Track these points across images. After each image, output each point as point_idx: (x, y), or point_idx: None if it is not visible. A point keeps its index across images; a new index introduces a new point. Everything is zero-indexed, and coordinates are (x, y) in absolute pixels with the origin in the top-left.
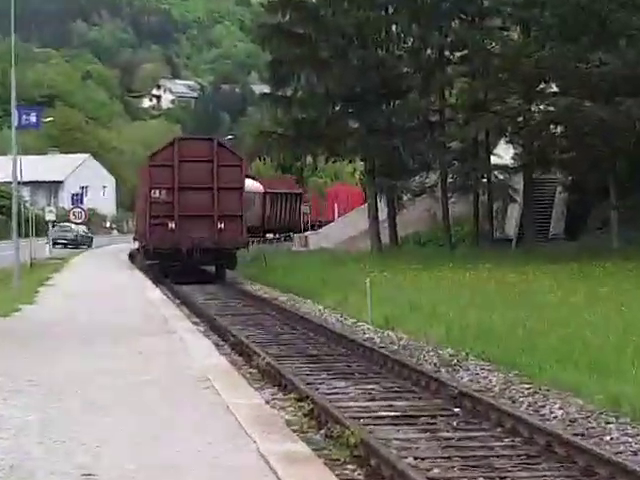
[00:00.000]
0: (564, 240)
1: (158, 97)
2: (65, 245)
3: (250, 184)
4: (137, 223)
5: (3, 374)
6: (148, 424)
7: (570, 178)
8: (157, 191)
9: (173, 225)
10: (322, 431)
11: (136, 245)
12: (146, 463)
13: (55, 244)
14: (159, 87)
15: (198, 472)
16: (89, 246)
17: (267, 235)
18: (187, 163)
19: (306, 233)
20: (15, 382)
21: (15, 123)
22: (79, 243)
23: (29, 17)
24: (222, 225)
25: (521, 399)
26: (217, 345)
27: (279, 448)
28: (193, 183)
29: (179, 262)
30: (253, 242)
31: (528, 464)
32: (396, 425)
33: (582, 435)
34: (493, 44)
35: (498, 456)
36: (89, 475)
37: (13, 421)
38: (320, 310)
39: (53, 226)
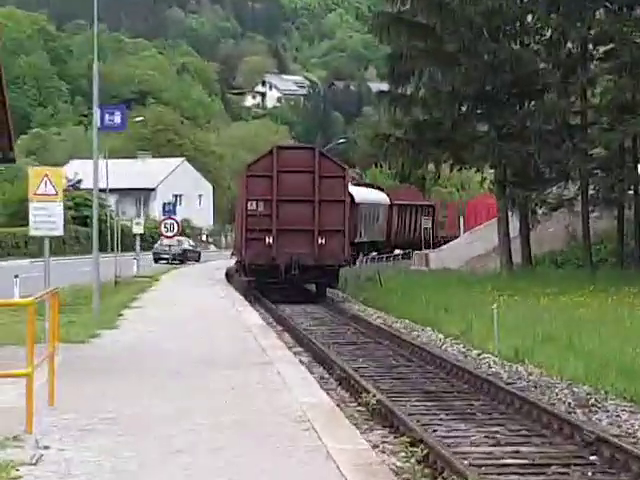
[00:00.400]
0: None
1: (263, 94)
2: (169, 261)
3: (375, 194)
4: (235, 237)
5: (75, 410)
6: (239, 474)
7: None
8: (254, 203)
9: (270, 240)
10: None
11: (234, 262)
12: None
13: (158, 259)
14: (264, 83)
15: None
16: (197, 261)
17: (395, 251)
18: (287, 174)
19: (427, 250)
20: (89, 420)
21: (97, 124)
22: (185, 258)
23: (119, 4)
24: (323, 240)
25: None
26: (321, 379)
27: None
28: (293, 195)
29: (276, 279)
30: (366, 260)
31: None
32: (523, 475)
33: None
34: None
35: None
36: None
37: (84, 466)
38: (440, 339)
39: (147, 239)
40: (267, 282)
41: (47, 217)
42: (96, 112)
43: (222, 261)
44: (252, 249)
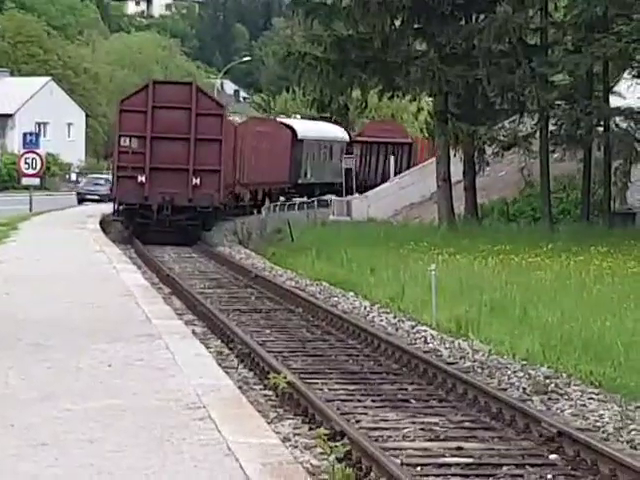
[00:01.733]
0: None
1: (148, 1)
2: (97, 202)
3: (328, 129)
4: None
5: None
6: (114, 476)
7: None
8: (127, 139)
9: (143, 178)
10: None
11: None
12: None
13: (82, 200)
14: None
15: None
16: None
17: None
18: (162, 109)
19: (349, 197)
20: None
21: None
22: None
23: None
24: (198, 180)
25: None
26: (219, 354)
27: None
28: (167, 132)
29: (149, 220)
30: (276, 207)
31: None
32: (467, 477)
33: None
34: None
35: None
36: None
37: None
38: (365, 307)
39: (3, 177)
40: (139, 223)
41: None
42: None
43: (95, 206)
44: (123, 187)
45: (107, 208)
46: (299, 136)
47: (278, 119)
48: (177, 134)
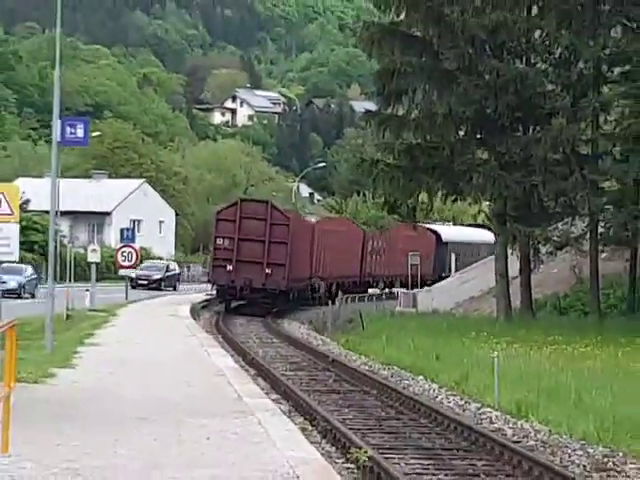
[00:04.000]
0: None
1: (233, 111)
2: (147, 286)
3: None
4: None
5: (32, 459)
6: None
7: None
8: (221, 240)
9: (231, 267)
10: None
11: (204, 295)
12: None
13: (136, 286)
14: (234, 99)
15: None
16: (174, 288)
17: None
18: (246, 219)
19: (414, 290)
20: (48, 471)
21: (57, 138)
22: (166, 285)
23: (75, 5)
24: (269, 270)
25: None
26: (304, 431)
27: None
28: (250, 235)
29: (234, 296)
30: (347, 299)
31: None
32: None
33: None
34: None
35: None
36: None
37: None
38: (434, 390)
39: (101, 270)
40: (227, 299)
41: (2, 239)
42: (56, 124)
43: (184, 295)
44: (217, 273)
45: (195, 298)
46: (443, 239)
47: (423, 224)
48: (256, 237)
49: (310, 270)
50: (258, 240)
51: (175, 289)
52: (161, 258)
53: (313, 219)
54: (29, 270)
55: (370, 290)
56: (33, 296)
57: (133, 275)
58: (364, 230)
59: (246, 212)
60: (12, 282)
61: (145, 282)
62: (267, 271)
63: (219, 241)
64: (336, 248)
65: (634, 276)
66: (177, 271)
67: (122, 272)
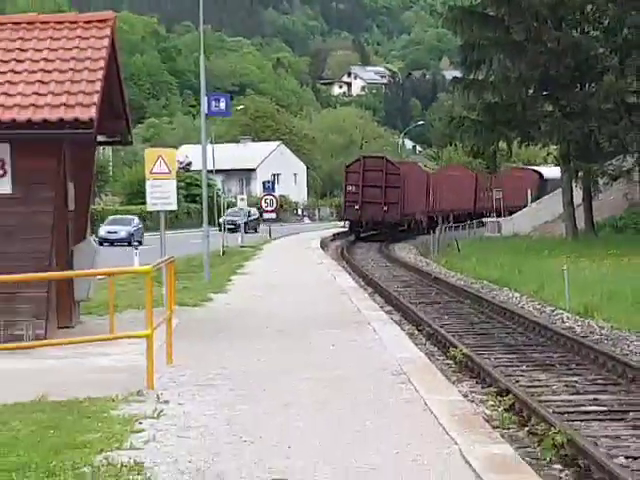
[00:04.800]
0: None
1: (349, 84)
2: (232, 229)
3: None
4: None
5: (191, 367)
6: (341, 425)
7: None
8: (351, 187)
9: (358, 207)
10: (525, 429)
11: (331, 231)
12: (342, 466)
13: (223, 229)
14: (349, 74)
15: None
16: (255, 230)
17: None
18: (368, 172)
19: (499, 219)
20: (204, 376)
21: (205, 110)
22: (247, 228)
23: (221, 5)
24: (386, 208)
25: None
26: (411, 335)
27: (482, 450)
28: (371, 183)
29: (361, 227)
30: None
31: None
32: (603, 421)
33: None
34: None
35: None
36: None
37: (201, 419)
38: (517, 298)
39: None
40: (356, 230)
41: (162, 193)
42: (204, 100)
43: (315, 232)
44: (348, 212)
45: (326, 233)
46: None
47: (528, 167)
48: (375, 184)
49: (426, 206)
50: (377, 186)
51: (256, 231)
52: (297, 203)
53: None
54: (136, 221)
55: (484, 219)
56: (140, 243)
57: (220, 221)
58: (476, 174)
59: (368, 165)
60: (122, 232)
61: (232, 226)
62: (384, 209)
63: (349, 187)
64: (451, 188)
65: None
66: (257, 216)
67: (265, 216)
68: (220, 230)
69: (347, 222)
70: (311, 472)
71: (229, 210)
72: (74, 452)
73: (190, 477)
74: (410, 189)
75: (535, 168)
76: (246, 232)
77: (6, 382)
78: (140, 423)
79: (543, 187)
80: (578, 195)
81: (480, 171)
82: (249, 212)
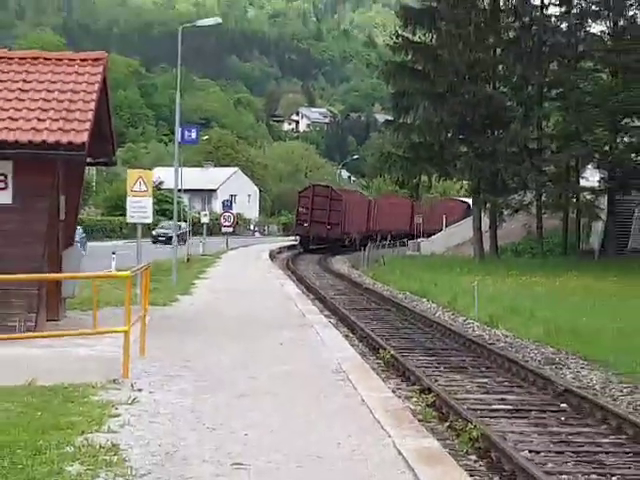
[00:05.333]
0: None
1: (297, 122)
2: (165, 241)
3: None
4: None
5: (160, 359)
6: (290, 416)
7: None
8: (302, 209)
9: (307, 225)
10: (445, 424)
11: (278, 245)
12: (292, 453)
13: (156, 241)
14: (297, 113)
15: (339, 464)
16: (184, 242)
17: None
18: (316, 197)
19: (419, 240)
20: (172, 368)
21: (178, 139)
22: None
23: (192, 52)
24: (330, 227)
25: (620, 397)
26: (347, 337)
27: (413, 443)
28: (318, 206)
29: (309, 243)
30: (372, 246)
31: (636, 461)
32: (509, 419)
33: None
34: (585, 83)
35: (607, 453)
36: (239, 465)
37: (170, 406)
38: (434, 308)
39: (210, 228)
40: (304, 244)
41: (140, 208)
42: (178, 130)
43: (265, 245)
44: (299, 229)
45: (273, 247)
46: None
47: (457, 198)
48: (322, 207)
49: (367, 227)
50: (323, 209)
51: (185, 242)
52: (250, 219)
53: (369, 197)
54: (78, 231)
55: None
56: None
57: (154, 233)
58: (412, 202)
59: (316, 192)
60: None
61: (163, 238)
62: (328, 227)
63: (300, 209)
64: (391, 213)
65: (566, 229)
66: (186, 229)
67: (224, 229)
68: (154, 242)
69: (297, 237)
70: (265, 458)
71: (161, 223)
72: (59, 433)
73: (160, 459)
74: (351, 212)
75: (463, 199)
76: (180, 244)
77: (0, 368)
78: (116, 408)
79: (468, 215)
80: (485, 223)
81: (416, 200)
82: (180, 226)
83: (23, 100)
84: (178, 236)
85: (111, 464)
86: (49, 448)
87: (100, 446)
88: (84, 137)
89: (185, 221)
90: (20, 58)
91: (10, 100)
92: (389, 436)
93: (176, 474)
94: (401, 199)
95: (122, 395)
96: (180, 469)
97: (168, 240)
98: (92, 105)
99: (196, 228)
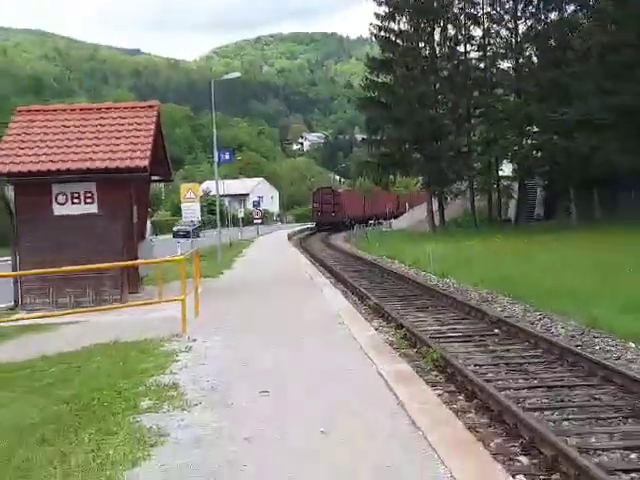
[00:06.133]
0: (543, 220)
1: (302, 144)
2: (183, 236)
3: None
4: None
5: (209, 318)
6: (303, 349)
7: (546, 183)
8: (314, 204)
9: (319, 214)
10: (414, 349)
11: (294, 229)
12: (305, 371)
13: (175, 235)
14: (302, 137)
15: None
16: (197, 236)
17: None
18: (323, 195)
19: (390, 220)
20: (218, 324)
21: (216, 159)
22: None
23: (226, 99)
24: (334, 214)
25: (536, 322)
26: (344, 293)
27: (390, 367)
28: (325, 202)
29: (322, 225)
30: (359, 226)
31: (549, 367)
32: (460, 342)
33: (581, 346)
34: (498, 104)
35: (529, 363)
36: (265, 392)
37: (216, 351)
38: (403, 267)
39: (245, 220)
40: (318, 226)
41: (191, 211)
42: (216, 154)
43: (283, 231)
44: (315, 216)
45: (289, 232)
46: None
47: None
48: (328, 202)
49: (363, 212)
50: (329, 203)
51: (198, 236)
52: (273, 213)
53: (362, 192)
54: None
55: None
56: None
57: (174, 229)
58: (397, 195)
59: (323, 192)
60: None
61: (182, 234)
62: (333, 214)
63: (314, 204)
64: (381, 203)
65: (490, 206)
66: (199, 225)
67: (255, 221)
68: (174, 237)
69: (315, 222)
70: (284, 385)
71: (180, 221)
72: (136, 377)
73: (207, 391)
74: (348, 204)
75: (394, 192)
76: (193, 237)
77: (94, 331)
78: (177, 355)
79: (398, 202)
80: (435, 205)
81: (400, 193)
82: (194, 222)
83: (101, 138)
84: (193, 231)
85: (172, 398)
86: (128, 389)
87: (164, 385)
88: (146, 162)
89: (226, 218)
90: (97, 109)
91: (91, 139)
92: (373, 363)
93: (220, 402)
94: (389, 193)
95: (181, 345)
96: (223, 398)
97: (185, 234)
98: (150, 139)
99: (235, 221)
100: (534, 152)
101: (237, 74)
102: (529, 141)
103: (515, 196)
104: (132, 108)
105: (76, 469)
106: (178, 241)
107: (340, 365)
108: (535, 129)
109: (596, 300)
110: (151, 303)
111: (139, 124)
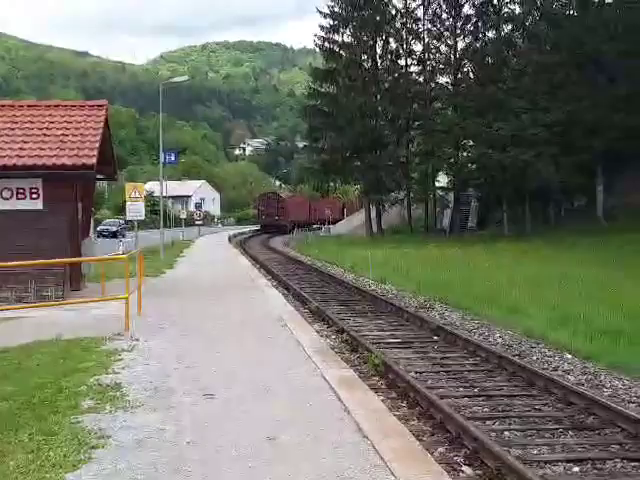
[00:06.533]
0: (476, 230)
1: (244, 149)
2: (106, 236)
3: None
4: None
5: (152, 316)
6: (247, 353)
7: (479, 194)
8: (259, 208)
9: (264, 217)
10: (356, 354)
11: (235, 231)
12: (249, 382)
13: (100, 235)
14: (244, 143)
15: (284, 389)
16: (123, 236)
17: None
18: (267, 199)
19: (329, 225)
20: (161, 322)
21: (162, 160)
22: (116, 234)
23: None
24: (277, 219)
25: (473, 330)
26: (284, 295)
27: (334, 372)
28: (268, 206)
29: (265, 228)
30: (299, 229)
31: (489, 376)
32: (399, 348)
33: (519, 355)
34: (436, 117)
35: (469, 371)
36: (209, 395)
37: (159, 351)
38: (341, 271)
39: (187, 222)
40: (262, 228)
41: (136, 209)
42: (162, 154)
43: (224, 233)
44: (260, 220)
45: (230, 234)
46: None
47: (335, 197)
48: (272, 205)
49: (308, 217)
50: (273, 207)
51: (124, 237)
52: (214, 215)
53: (305, 198)
54: (120, 222)
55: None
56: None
57: (98, 229)
58: (343, 202)
59: (268, 196)
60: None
61: (106, 233)
62: (276, 218)
63: (260, 207)
64: (326, 208)
65: (426, 215)
66: (124, 225)
67: (197, 222)
68: (98, 237)
69: (260, 225)
70: (229, 389)
71: (105, 221)
72: (77, 375)
73: (150, 392)
74: (292, 208)
75: (337, 198)
76: (116, 237)
77: (36, 327)
78: (119, 354)
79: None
80: (373, 212)
81: (347, 200)
82: (119, 223)
83: (48, 135)
84: (118, 231)
85: (114, 399)
86: (69, 387)
87: (106, 385)
88: (93, 160)
89: (204, 219)
90: (46, 106)
91: (38, 136)
92: (318, 368)
93: (163, 404)
94: (334, 200)
95: (124, 344)
96: (166, 400)
97: (111, 234)
98: (98, 138)
99: (177, 222)
100: (469, 164)
101: (185, 77)
102: (465, 154)
103: (450, 206)
104: (81, 107)
105: (15, 470)
106: (120, 240)
107: (287, 371)
108: (471, 142)
109: (529, 312)
110: (94, 300)
111: (87, 122)
